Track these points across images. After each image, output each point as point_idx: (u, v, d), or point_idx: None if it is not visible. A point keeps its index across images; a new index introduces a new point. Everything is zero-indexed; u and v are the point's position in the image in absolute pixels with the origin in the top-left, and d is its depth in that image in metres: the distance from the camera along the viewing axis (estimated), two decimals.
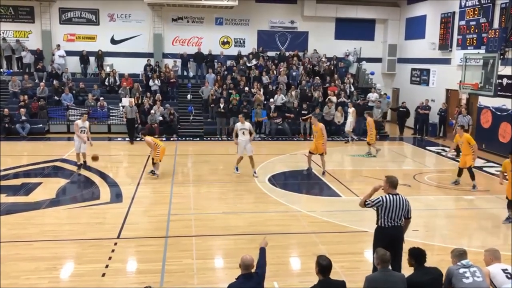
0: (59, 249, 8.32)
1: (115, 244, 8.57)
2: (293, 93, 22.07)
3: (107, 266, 7.61)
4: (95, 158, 13.37)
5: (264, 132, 21.18)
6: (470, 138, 12.76)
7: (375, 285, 5.19)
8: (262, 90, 22.23)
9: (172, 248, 8.45)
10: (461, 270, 5.24)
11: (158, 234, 9.14)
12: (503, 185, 10.30)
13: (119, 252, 8.23)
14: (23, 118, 19.78)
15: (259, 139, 19.76)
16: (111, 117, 21.31)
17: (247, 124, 13.79)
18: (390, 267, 5.45)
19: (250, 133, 13.75)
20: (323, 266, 5.08)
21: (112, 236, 8.95)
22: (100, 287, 6.98)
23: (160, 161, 13.44)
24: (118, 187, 12.43)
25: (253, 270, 5.26)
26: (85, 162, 14.22)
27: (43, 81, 22.29)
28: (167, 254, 8.18)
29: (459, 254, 5.42)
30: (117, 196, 11.67)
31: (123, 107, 20.15)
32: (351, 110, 20.06)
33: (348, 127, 20.03)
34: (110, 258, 7.95)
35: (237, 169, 13.95)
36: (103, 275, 7.33)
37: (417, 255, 5.47)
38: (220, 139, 20.41)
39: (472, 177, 12.64)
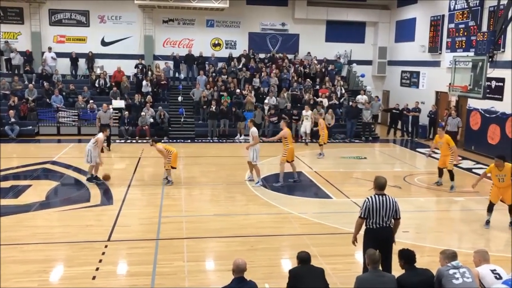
0: (49, 252, 8.26)
1: (106, 246, 8.52)
2: (285, 94, 22.14)
3: (97, 269, 7.56)
4: (107, 178, 12.94)
5: (263, 134, 20.85)
6: (449, 139, 12.83)
7: (365, 286, 5.23)
8: (253, 92, 22.26)
9: (163, 250, 8.42)
10: (451, 271, 5.29)
11: (149, 237, 9.10)
12: (474, 188, 10.40)
13: (110, 255, 8.18)
14: (13, 120, 19.60)
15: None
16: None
17: (251, 130, 13.12)
18: (380, 268, 5.49)
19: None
20: (301, 257, 5.56)
21: (103, 238, 8.90)
22: None
23: (174, 167, 12.92)
24: (109, 189, 12.35)
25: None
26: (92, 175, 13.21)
27: (33, 82, 22.14)
28: (158, 256, 8.15)
29: (449, 256, 5.46)
30: (107, 198, 11.61)
31: (98, 110, 19.26)
32: (308, 113, 19.99)
33: (304, 129, 20.01)
34: (100, 260, 7.90)
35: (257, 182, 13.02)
36: (94, 277, 7.28)
37: (407, 256, 5.52)
38: (211, 141, 20.39)
39: (452, 178, 12.76)
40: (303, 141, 20.14)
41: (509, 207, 9.92)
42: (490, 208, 10.08)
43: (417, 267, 5.52)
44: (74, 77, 23.91)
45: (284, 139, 13.09)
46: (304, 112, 20.09)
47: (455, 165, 13.16)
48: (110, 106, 20.28)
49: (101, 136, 13.08)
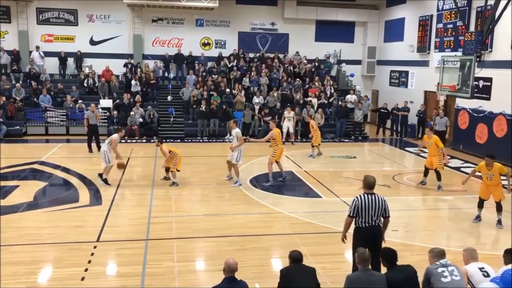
0: (38, 253, 8.18)
1: (95, 247, 8.47)
2: (275, 94, 22.17)
3: (86, 270, 7.51)
4: (121, 166, 12.80)
5: (253, 133, 20.87)
6: (438, 140, 12.87)
7: (356, 285, 5.25)
8: (243, 92, 22.25)
9: (153, 250, 8.38)
10: (440, 270, 5.33)
11: (139, 237, 9.05)
12: (464, 185, 10.65)
13: (99, 256, 8.13)
14: (0, 119, 19.39)
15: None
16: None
17: (235, 131, 12.98)
18: (370, 267, 5.52)
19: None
20: (293, 257, 5.56)
21: (92, 239, 8.83)
22: None
23: (178, 170, 12.83)
24: (98, 190, 12.27)
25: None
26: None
27: (20, 82, 21.92)
28: (147, 257, 8.11)
29: (438, 254, 5.52)
30: (96, 199, 11.53)
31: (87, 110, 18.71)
32: (291, 114, 20.04)
33: (285, 129, 19.82)
34: (89, 261, 7.85)
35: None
36: (83, 279, 7.23)
37: (389, 256, 5.61)
38: (201, 140, 20.33)
39: (439, 178, 12.82)
40: (289, 141, 20.06)
41: (497, 204, 10.05)
42: (480, 204, 10.30)
43: (399, 265, 5.59)
44: (63, 77, 23.72)
45: (273, 140, 13.07)
46: (286, 114, 20.02)
47: (445, 165, 13.24)
48: (99, 106, 20.18)
49: (115, 136, 12.87)
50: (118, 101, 21.24)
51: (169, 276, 7.41)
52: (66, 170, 14.26)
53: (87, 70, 23.34)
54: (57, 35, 23.97)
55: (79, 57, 23.67)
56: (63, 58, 23.49)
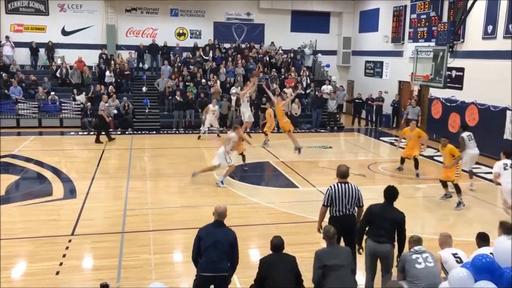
0: (11, 248, 8.01)
1: (70, 241, 8.35)
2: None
3: (61, 264, 7.41)
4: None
5: (230, 125, 20.53)
6: (421, 131, 13.22)
7: (322, 258, 5.42)
8: (218, 82, 22.13)
9: (129, 243, 8.31)
10: (414, 256, 5.43)
11: (114, 230, 8.97)
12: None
13: (73, 249, 8.02)
14: None
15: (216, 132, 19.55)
16: (63, 111, 20.66)
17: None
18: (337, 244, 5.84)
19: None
20: (274, 244, 5.59)
21: (66, 233, 8.71)
22: (55, 286, 6.78)
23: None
24: (72, 183, 12.08)
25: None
26: None
27: None
28: (124, 249, 8.04)
29: (414, 241, 5.62)
30: (71, 192, 11.36)
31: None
32: (215, 107, 18.76)
33: (208, 124, 18.64)
34: (64, 255, 7.74)
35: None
36: (57, 273, 7.12)
37: (390, 193, 6.34)
38: (177, 132, 20.17)
39: (417, 166, 13.15)
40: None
41: (441, 182, 11.05)
42: (444, 184, 11.09)
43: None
44: (34, 68, 23.16)
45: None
46: (211, 107, 18.54)
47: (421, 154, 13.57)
48: (77, 99, 19.95)
49: (233, 135, 12.43)
50: (91, 93, 20.83)
51: (145, 269, 7.37)
52: (39, 163, 13.98)
53: (59, 61, 22.83)
54: (27, 25, 23.34)
55: (51, 48, 23.11)
56: (34, 49, 22.90)
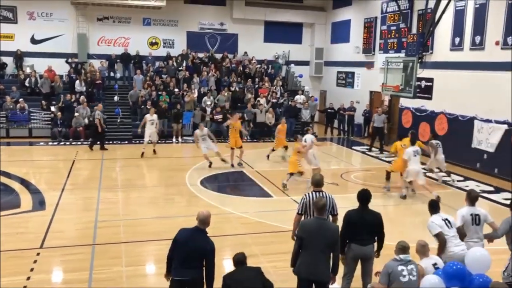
0: None
1: (38, 254, 8.12)
2: (226, 94, 22.11)
3: (29, 278, 7.18)
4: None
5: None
6: (420, 144, 12.98)
7: (307, 228, 5.71)
8: (194, 91, 22.06)
9: (100, 255, 8.13)
10: (400, 268, 5.35)
11: (85, 242, 8.76)
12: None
13: (42, 263, 7.79)
14: None
15: (191, 141, 19.42)
16: (32, 121, 20.20)
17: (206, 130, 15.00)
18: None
19: (211, 138, 15.02)
20: (236, 260, 5.49)
21: (35, 246, 8.46)
22: None
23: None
24: (41, 194, 11.78)
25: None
26: None
27: None
28: (94, 262, 7.86)
29: (399, 249, 5.53)
30: (39, 204, 11.07)
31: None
32: (154, 117, 17.21)
33: (148, 137, 17.02)
34: (32, 269, 7.51)
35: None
36: (25, 287, 6.90)
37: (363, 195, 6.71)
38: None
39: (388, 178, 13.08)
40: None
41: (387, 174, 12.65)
42: (388, 176, 12.79)
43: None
44: (1, 77, 22.59)
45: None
46: (148, 117, 17.00)
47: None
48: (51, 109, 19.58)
49: (312, 137, 14.44)
50: (61, 103, 20.41)
51: (117, 281, 7.22)
52: (6, 174, 13.59)
53: (28, 70, 22.35)
54: None
55: (19, 57, 22.62)
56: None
